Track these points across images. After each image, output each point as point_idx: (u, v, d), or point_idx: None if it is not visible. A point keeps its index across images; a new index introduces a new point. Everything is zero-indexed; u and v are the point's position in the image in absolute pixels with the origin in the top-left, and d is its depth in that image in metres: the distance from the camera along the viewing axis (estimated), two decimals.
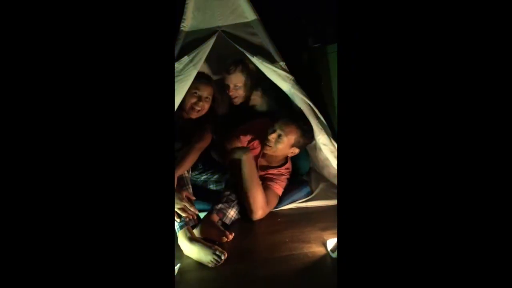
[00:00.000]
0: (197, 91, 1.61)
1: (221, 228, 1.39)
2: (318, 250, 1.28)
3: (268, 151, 1.60)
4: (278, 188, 1.59)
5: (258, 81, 1.78)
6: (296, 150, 1.62)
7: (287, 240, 1.36)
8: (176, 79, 1.47)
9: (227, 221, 1.46)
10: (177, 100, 1.49)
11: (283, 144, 1.56)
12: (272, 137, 1.56)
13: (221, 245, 1.32)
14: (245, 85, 1.79)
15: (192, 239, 1.30)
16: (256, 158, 1.65)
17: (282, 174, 1.64)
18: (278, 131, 1.56)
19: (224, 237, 1.34)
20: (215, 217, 1.44)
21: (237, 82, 1.77)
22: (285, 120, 1.57)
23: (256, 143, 1.68)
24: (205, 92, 1.62)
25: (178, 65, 1.47)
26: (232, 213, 1.47)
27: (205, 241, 1.30)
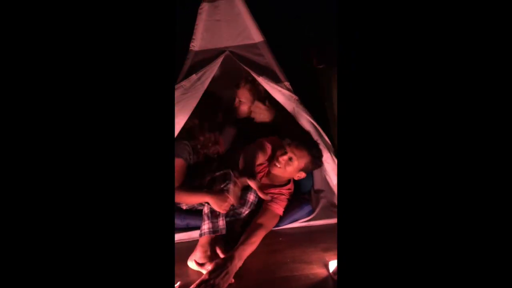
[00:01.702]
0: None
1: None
2: (320, 271, 1.25)
3: (275, 171, 1.59)
4: (278, 208, 1.57)
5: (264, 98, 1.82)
6: (302, 175, 1.61)
7: (288, 260, 1.33)
8: (184, 96, 1.51)
9: None
10: (185, 117, 1.52)
11: (293, 167, 1.55)
12: (283, 159, 1.54)
13: None
14: (250, 102, 1.83)
15: (211, 251, 1.30)
16: (261, 177, 1.65)
17: (282, 194, 1.62)
18: (290, 154, 1.54)
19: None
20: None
21: (242, 98, 1.82)
22: (298, 144, 1.55)
23: (266, 165, 1.68)
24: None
25: (186, 83, 1.52)
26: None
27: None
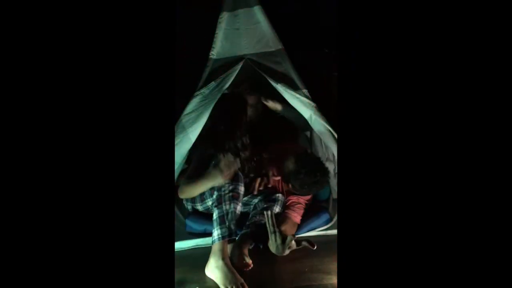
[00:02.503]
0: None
1: (247, 256, 1.36)
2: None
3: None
4: (296, 216, 1.57)
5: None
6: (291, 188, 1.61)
7: (306, 269, 1.31)
8: (203, 102, 1.55)
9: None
10: (203, 122, 1.55)
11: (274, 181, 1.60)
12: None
13: (240, 271, 1.29)
14: (260, 104, 1.84)
15: (224, 259, 1.29)
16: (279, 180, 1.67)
17: (299, 203, 1.62)
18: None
19: (245, 268, 1.32)
20: (247, 243, 1.43)
21: (254, 102, 1.82)
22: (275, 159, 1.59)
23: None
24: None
25: (205, 90, 1.55)
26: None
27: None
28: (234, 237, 1.37)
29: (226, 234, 1.34)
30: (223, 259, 1.28)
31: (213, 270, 1.27)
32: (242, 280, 1.22)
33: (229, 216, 1.38)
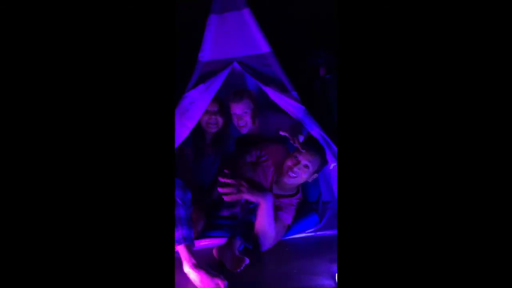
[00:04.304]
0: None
1: (239, 256, 1.35)
2: (327, 283, 1.23)
3: (290, 180, 1.60)
4: (288, 218, 1.58)
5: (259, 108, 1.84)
6: (315, 175, 1.63)
7: (295, 271, 1.32)
8: (191, 105, 1.55)
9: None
10: (192, 124, 1.56)
11: (309, 172, 1.57)
12: (298, 167, 1.56)
13: (227, 272, 1.29)
14: (252, 111, 1.82)
15: (187, 265, 1.26)
16: (270, 179, 1.66)
17: (291, 204, 1.63)
18: (305, 162, 1.55)
19: (238, 268, 1.30)
20: (236, 244, 1.43)
21: (245, 109, 1.80)
22: (309, 150, 1.56)
23: (270, 162, 1.69)
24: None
25: (194, 92, 1.55)
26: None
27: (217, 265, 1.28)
28: (187, 243, 1.32)
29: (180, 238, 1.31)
30: (188, 266, 1.26)
31: (191, 278, 1.26)
32: (216, 276, 1.20)
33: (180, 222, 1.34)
